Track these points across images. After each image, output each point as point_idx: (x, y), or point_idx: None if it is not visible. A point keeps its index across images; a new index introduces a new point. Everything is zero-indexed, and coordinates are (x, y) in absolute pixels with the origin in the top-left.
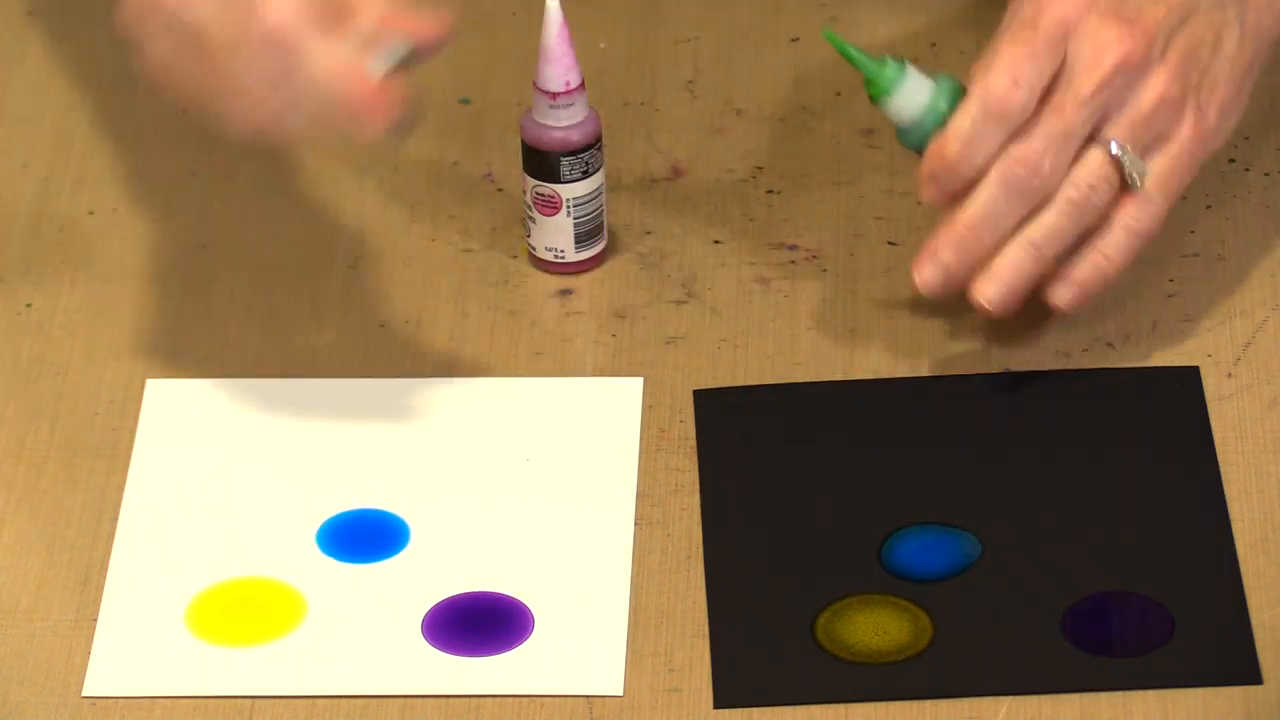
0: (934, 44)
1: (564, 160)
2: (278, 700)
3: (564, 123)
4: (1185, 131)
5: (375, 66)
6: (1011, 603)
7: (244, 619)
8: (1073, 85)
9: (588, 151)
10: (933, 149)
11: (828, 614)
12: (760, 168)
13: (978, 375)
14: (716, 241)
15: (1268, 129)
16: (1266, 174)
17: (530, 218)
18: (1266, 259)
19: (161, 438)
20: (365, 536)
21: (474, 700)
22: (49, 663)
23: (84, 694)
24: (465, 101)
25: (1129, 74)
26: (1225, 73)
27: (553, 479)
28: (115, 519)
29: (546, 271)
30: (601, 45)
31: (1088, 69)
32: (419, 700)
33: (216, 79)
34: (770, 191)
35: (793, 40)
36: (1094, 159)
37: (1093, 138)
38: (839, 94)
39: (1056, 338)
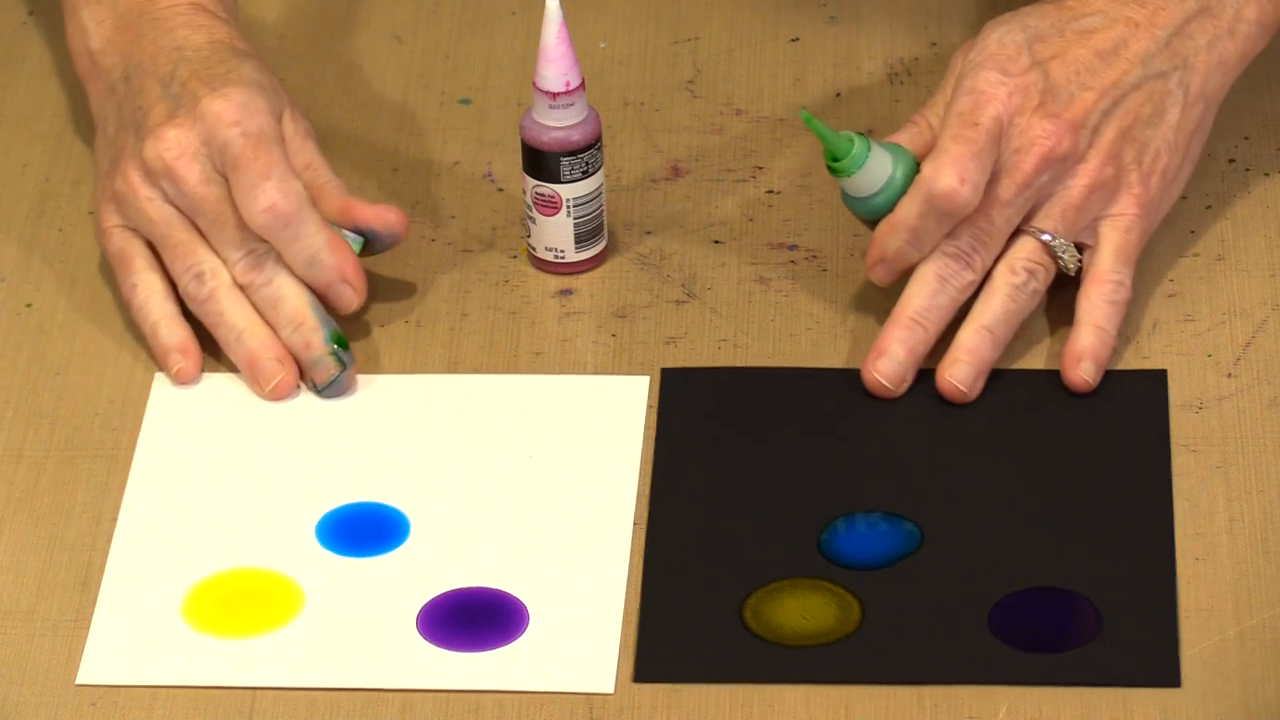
0: (934, 44)
1: (564, 160)
2: (279, 693)
3: (564, 123)
4: (1127, 207)
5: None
6: (942, 594)
7: (241, 610)
8: (998, 186)
9: (588, 151)
10: (880, 237)
11: (758, 595)
12: (760, 168)
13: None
14: (716, 241)
15: (1268, 129)
16: (1266, 174)
17: (530, 218)
18: (1266, 259)
19: (166, 430)
20: (365, 530)
21: (474, 698)
22: (49, 662)
23: (78, 682)
24: (465, 102)
25: (1055, 167)
26: (1168, 142)
27: (555, 476)
28: (115, 519)
29: (546, 271)
30: (601, 45)
31: (1011, 170)
32: (419, 695)
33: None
34: (770, 191)
35: (793, 40)
36: (1027, 246)
37: (1025, 227)
38: (839, 94)
39: (1056, 338)
